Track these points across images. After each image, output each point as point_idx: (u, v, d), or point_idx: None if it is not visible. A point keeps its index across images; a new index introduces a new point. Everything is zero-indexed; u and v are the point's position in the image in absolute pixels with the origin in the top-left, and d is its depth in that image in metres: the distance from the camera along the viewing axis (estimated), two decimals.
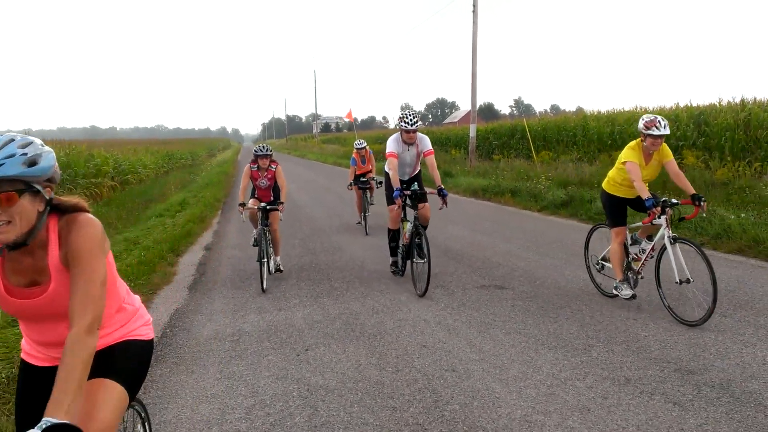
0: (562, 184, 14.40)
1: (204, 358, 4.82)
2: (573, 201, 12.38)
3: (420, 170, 7.32)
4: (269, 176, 7.49)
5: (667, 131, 5.32)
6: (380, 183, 10.51)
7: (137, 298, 2.58)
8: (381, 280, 7.16)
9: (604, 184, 5.99)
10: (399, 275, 7.23)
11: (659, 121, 5.32)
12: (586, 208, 11.68)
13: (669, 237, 5.35)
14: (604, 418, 3.57)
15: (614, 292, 5.82)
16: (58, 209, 2.12)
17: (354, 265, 8.03)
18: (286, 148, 75.00)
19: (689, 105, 17.41)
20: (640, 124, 5.39)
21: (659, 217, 5.38)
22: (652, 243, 5.67)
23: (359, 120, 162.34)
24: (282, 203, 7.21)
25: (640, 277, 5.81)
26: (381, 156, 32.27)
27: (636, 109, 19.73)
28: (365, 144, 11.61)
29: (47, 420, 1.70)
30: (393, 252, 7.34)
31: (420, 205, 6.70)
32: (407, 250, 6.92)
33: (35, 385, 2.26)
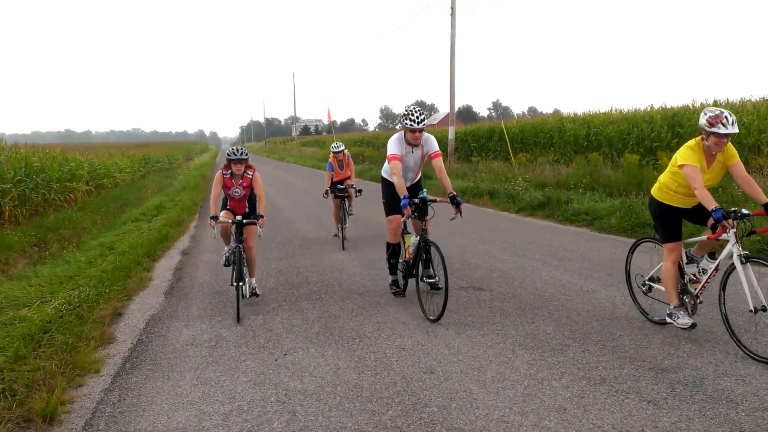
0: (540, 186, 14.53)
1: (180, 364, 4.77)
2: (550, 202, 12.51)
3: (420, 177, 6.57)
4: (245, 184, 6.41)
5: (736, 129, 4.44)
6: (359, 191, 10.06)
7: None
8: (360, 283, 7.15)
9: (654, 191, 5.03)
10: (401, 296, 6.31)
11: (726, 117, 4.40)
12: (563, 209, 11.80)
13: (740, 255, 4.48)
14: (579, 417, 3.61)
15: (667, 319, 4.95)
16: None
17: (333, 269, 8.01)
18: (264, 151, 74.64)
19: (663, 107, 17.75)
20: (702, 120, 4.47)
21: (728, 232, 4.49)
22: (716, 262, 4.82)
23: (338, 122, 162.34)
24: (261, 217, 6.18)
25: (699, 302, 4.88)
26: (360, 159, 32.34)
27: (611, 111, 20.03)
28: (343, 147, 10.44)
29: None
30: (392, 269, 6.44)
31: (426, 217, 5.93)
32: (410, 267, 6.15)
33: None
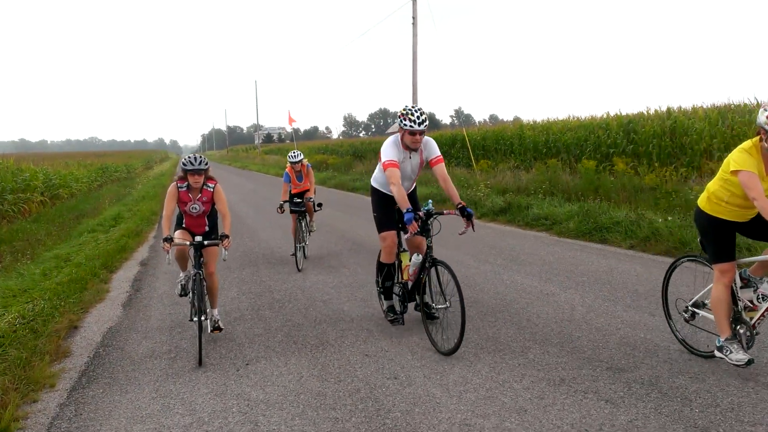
0: (501, 192, 14.74)
1: (139, 377, 4.67)
2: (511, 208, 12.70)
3: (415, 187, 5.81)
4: (204, 199, 5.40)
5: None
6: (319, 205, 9.13)
7: None
8: (324, 290, 7.12)
9: (701, 202, 4.29)
10: (399, 323, 5.46)
11: None
12: (523, 215, 11.99)
13: None
14: (540, 418, 3.67)
15: (716, 353, 4.17)
16: None
17: (297, 276, 7.96)
18: (226, 159, 73.78)
19: (619, 114, 18.21)
20: (762, 117, 3.75)
21: None
22: None
23: (301, 130, 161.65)
24: (227, 237, 5.14)
25: (755, 333, 4.14)
26: (324, 166, 32.22)
27: (569, 118, 20.48)
28: (302, 156, 9.14)
29: None
30: (387, 294, 5.62)
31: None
32: (409, 289, 5.45)
33: None
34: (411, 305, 5.62)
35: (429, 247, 5.05)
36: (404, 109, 5.13)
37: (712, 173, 12.36)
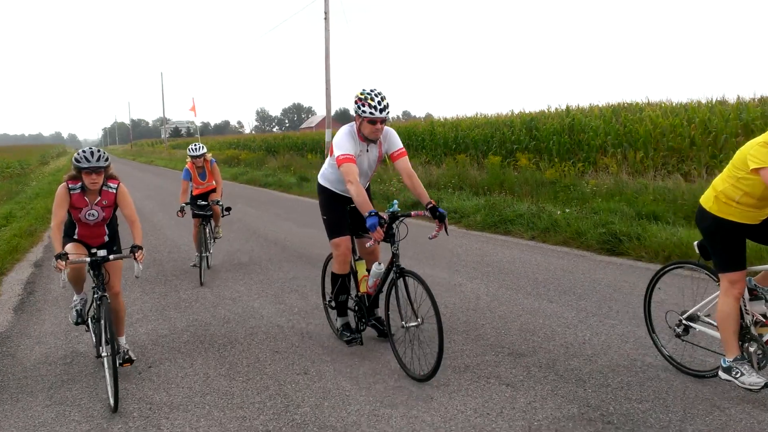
0: None
1: (31, 385, 4.39)
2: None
3: (369, 185, 5.09)
4: (105, 202, 4.42)
5: None
6: (228, 209, 7.97)
7: None
8: (234, 288, 6.98)
9: (707, 202, 3.76)
10: (357, 343, 4.78)
11: None
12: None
13: None
14: (445, 404, 3.80)
15: (722, 375, 3.68)
16: None
17: (205, 275, 7.74)
18: (130, 154, 70.37)
19: (522, 112, 19.05)
20: None
21: None
22: None
23: (212, 124, 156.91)
24: (140, 248, 4.23)
25: (765, 350, 3.65)
26: (236, 162, 31.45)
27: (477, 116, 21.18)
28: (204, 150, 7.92)
29: None
30: (342, 310, 4.88)
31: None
32: (369, 304, 4.80)
33: None
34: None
35: (395, 255, 4.36)
36: (362, 93, 4.36)
37: (607, 168, 13.22)
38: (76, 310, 4.73)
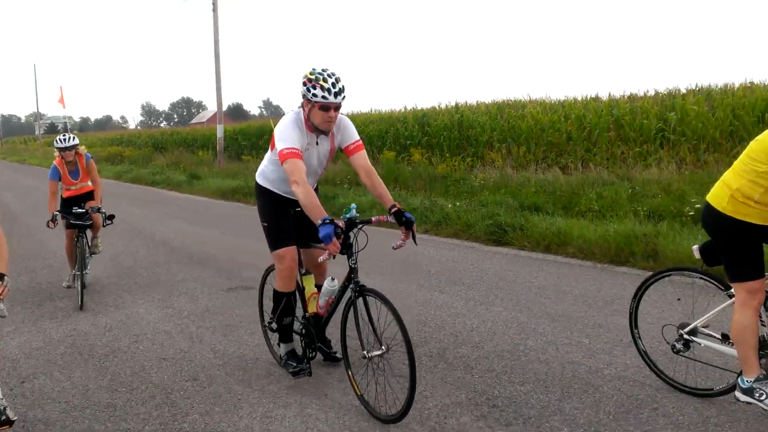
0: None
1: None
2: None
3: (318, 186, 4.31)
4: None
5: None
6: (110, 217, 6.46)
7: None
8: (116, 293, 6.60)
9: (718, 202, 3.24)
10: (305, 374, 4.01)
11: None
12: (329, 205, 12.28)
13: None
14: (339, 400, 3.82)
15: (743, 398, 3.23)
16: None
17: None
18: (0, 153, 64.42)
19: (415, 108, 19.47)
20: None
21: None
22: None
23: (92, 119, 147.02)
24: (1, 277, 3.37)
25: None
26: (119, 159, 29.69)
27: (371, 112, 21.40)
28: (76, 141, 6.49)
29: None
30: (286, 335, 4.17)
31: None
32: (320, 327, 4.12)
33: None
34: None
35: (353, 270, 3.61)
36: (312, 73, 3.61)
37: (493, 162, 13.85)
38: None
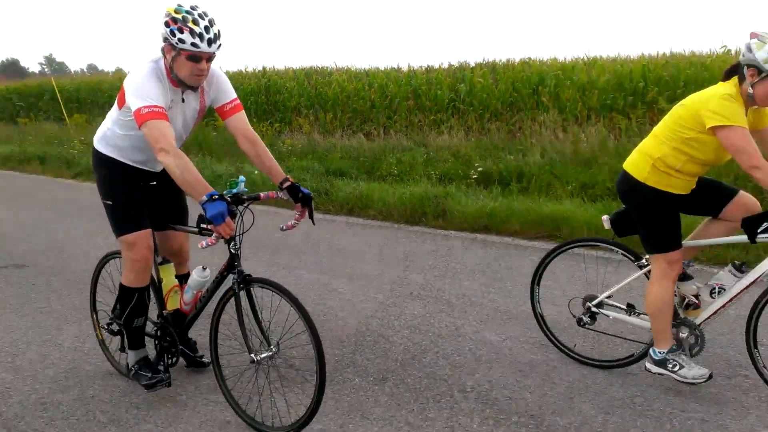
0: None
1: None
2: None
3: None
4: None
5: None
6: None
7: None
8: None
9: (638, 171, 3.13)
10: (164, 385, 3.30)
11: None
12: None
13: None
14: (211, 415, 3.42)
15: (655, 369, 3.20)
16: None
17: None
18: None
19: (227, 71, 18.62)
20: (763, 54, 2.73)
21: None
22: (752, 275, 3.05)
23: None
24: None
25: (703, 336, 3.24)
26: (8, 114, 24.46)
27: None
28: None
29: None
30: (137, 339, 3.37)
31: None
32: (183, 328, 3.42)
33: None
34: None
35: (235, 256, 2.96)
36: (177, 12, 2.83)
37: (301, 128, 13.86)
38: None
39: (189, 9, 2.84)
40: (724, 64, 10.96)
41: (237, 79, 16.59)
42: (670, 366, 3.14)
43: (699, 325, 3.18)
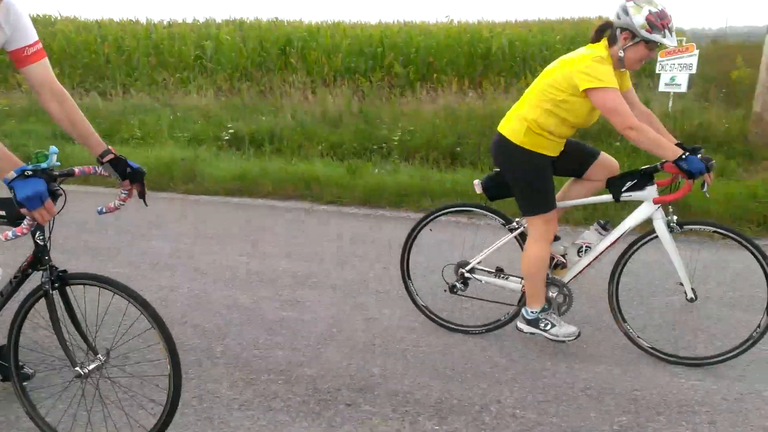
0: None
1: None
2: None
3: None
4: None
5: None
6: None
7: None
8: None
9: (516, 136, 3.09)
10: None
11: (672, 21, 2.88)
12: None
13: (669, 221, 3.05)
14: None
15: (527, 329, 3.25)
16: None
17: None
18: None
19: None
20: (639, 18, 2.78)
21: (646, 187, 3.06)
22: (615, 233, 3.19)
23: None
24: None
25: (571, 294, 3.32)
26: None
27: None
28: None
29: None
30: None
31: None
32: None
33: None
34: None
35: (43, 248, 2.35)
36: None
37: (19, 86, 11.88)
38: None
39: None
40: (448, 31, 12.26)
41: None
42: (542, 325, 3.19)
43: (567, 283, 3.25)
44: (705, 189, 2.86)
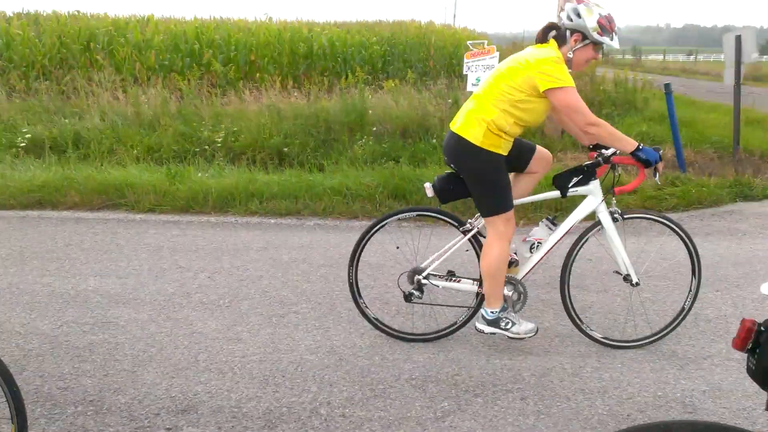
0: None
1: None
2: None
3: None
4: None
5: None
6: None
7: None
8: None
9: (475, 137, 3.02)
10: None
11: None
12: None
13: (614, 211, 3.19)
14: None
15: (488, 329, 3.23)
16: None
17: None
18: None
19: None
20: (590, 21, 2.89)
21: (590, 182, 3.17)
22: (563, 228, 3.27)
23: None
24: None
25: (526, 291, 3.35)
26: None
27: None
28: None
29: None
30: None
31: None
32: None
33: None
34: None
35: None
36: None
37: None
38: None
39: None
40: (268, 30, 12.06)
41: None
42: (503, 324, 3.21)
43: (520, 280, 3.30)
44: (657, 177, 3.05)
